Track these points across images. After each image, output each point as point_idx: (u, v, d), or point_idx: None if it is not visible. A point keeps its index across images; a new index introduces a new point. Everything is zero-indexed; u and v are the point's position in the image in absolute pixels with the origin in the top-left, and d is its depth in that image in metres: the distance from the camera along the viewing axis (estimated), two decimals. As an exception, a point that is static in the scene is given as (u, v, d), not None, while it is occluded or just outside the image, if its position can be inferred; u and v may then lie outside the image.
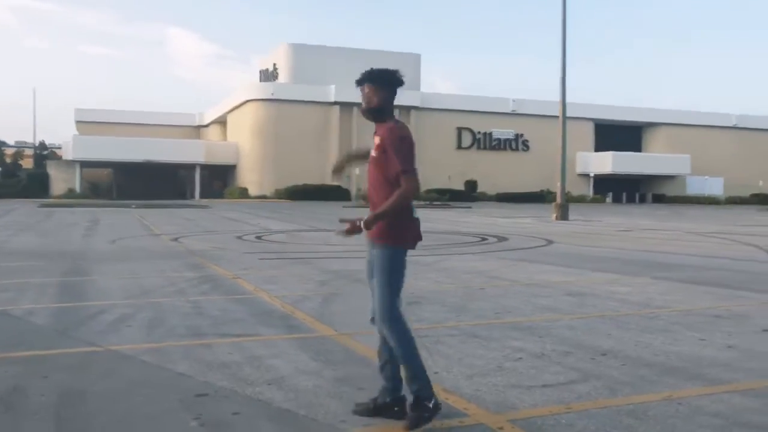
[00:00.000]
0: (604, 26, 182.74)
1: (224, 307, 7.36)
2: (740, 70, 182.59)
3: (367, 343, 5.64)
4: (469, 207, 52.63)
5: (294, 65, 73.21)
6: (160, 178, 75.60)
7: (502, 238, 18.98)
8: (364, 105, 3.77)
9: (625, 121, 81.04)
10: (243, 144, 70.61)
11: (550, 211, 35.28)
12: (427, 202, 56.97)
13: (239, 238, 18.28)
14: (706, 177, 75.37)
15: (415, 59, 79.98)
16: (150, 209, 39.34)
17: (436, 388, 4.33)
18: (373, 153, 3.74)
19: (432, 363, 4.97)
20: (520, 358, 5.15)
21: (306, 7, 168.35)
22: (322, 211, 39.65)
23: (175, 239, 17.73)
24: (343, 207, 47.06)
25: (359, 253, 14.17)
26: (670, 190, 76.43)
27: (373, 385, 4.39)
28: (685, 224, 28.27)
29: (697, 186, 75.06)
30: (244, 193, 65.16)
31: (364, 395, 4.15)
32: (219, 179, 76.12)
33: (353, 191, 64.43)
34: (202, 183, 72.07)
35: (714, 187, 75.08)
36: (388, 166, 3.68)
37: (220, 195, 67.93)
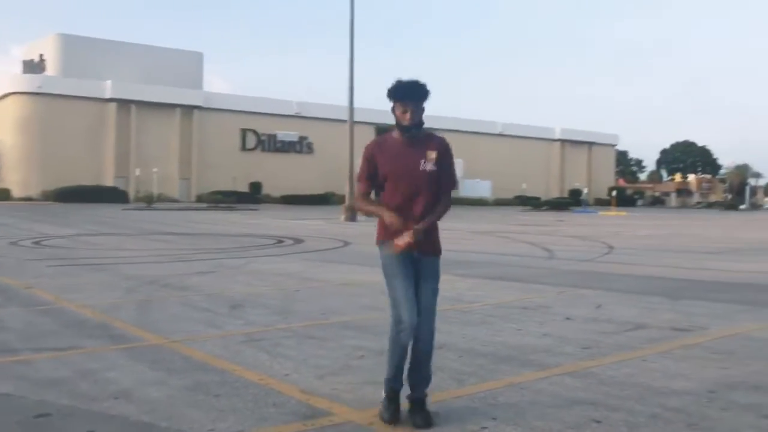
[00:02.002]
0: (388, 34, 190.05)
1: (28, 320, 6.71)
2: (505, 82, 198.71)
3: (202, 349, 5.46)
4: (256, 209, 52.23)
5: (64, 57, 68.19)
6: None
7: (297, 240, 19.09)
8: (413, 122, 3.72)
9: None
10: (4, 140, 64.33)
11: (337, 213, 36.04)
12: (213, 204, 55.64)
13: (13, 244, 16.68)
14: (477, 180, 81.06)
15: (198, 58, 77.99)
16: None
17: (292, 391, 4.33)
18: (431, 166, 3.77)
19: (279, 366, 4.93)
20: (363, 356, 5.25)
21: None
22: (101, 213, 37.27)
23: (-63, 247, 15.80)
24: (123, 210, 44.61)
25: (156, 258, 13.62)
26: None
27: (226, 391, 4.27)
28: (464, 224, 30.21)
29: (469, 188, 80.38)
30: (5, 194, 59.38)
31: (224, 403, 4.02)
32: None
33: (132, 193, 61.38)
34: (-47, 184, 64.71)
35: (483, 189, 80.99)
36: (440, 178, 3.81)
37: (-24, 197, 61.37)
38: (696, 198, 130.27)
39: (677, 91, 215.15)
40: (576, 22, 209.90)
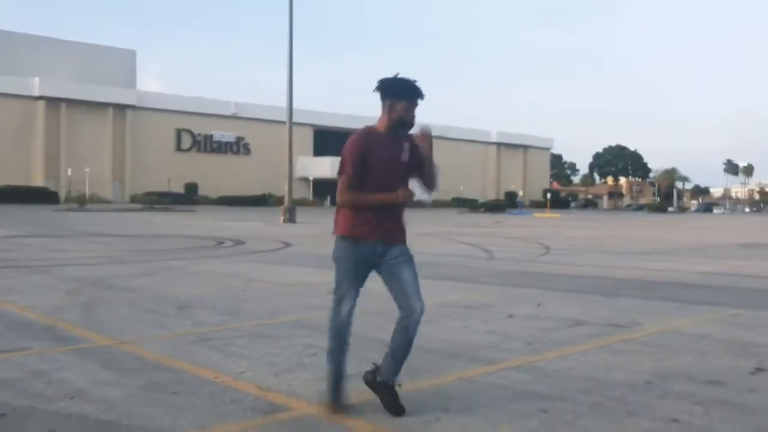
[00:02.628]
0: (327, 36, 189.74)
1: (-31, 322, 6.57)
2: (443, 85, 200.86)
3: (154, 349, 5.48)
4: (193, 210, 51.54)
5: (-10, 53, 65.96)
6: None
7: (238, 242, 19.01)
8: (413, 120, 3.89)
9: (343, 128, 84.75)
10: (-74, 140, 61.93)
11: (276, 214, 35.90)
12: (148, 206, 54.62)
13: (-57, 245, 16.16)
14: (414, 182, 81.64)
15: (130, 56, 76.54)
16: None
17: (249, 388, 4.41)
18: (406, 157, 3.96)
19: (233, 364, 4.99)
20: (316, 354, 5.35)
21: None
22: (32, 214, 36.20)
23: None
24: (54, 211, 43.44)
25: (95, 259, 13.37)
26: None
27: (183, 389, 4.32)
28: (403, 225, 30.46)
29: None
30: (-73, 195, 57.02)
31: (182, 400, 4.07)
32: None
33: (63, 194, 59.78)
34: None
35: (421, 191, 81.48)
36: (416, 166, 4.03)
37: None
38: (627, 200, 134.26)
39: (611, 97, 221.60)
40: (514, 28, 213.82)
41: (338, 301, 4.05)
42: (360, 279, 4.04)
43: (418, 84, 3.84)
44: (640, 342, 5.88)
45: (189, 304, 7.80)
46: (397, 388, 4.00)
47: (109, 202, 62.00)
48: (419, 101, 3.88)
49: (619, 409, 3.99)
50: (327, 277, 10.84)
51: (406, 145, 3.95)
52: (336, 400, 3.93)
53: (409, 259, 4.05)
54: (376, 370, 4.06)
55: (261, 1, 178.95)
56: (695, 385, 4.50)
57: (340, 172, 3.91)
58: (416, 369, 4.91)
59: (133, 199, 63.80)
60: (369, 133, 3.94)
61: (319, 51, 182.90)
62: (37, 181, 61.95)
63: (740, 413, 3.91)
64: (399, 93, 3.81)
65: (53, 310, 7.24)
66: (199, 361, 5.08)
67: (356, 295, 4.07)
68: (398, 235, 4.03)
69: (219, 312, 7.35)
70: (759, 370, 4.92)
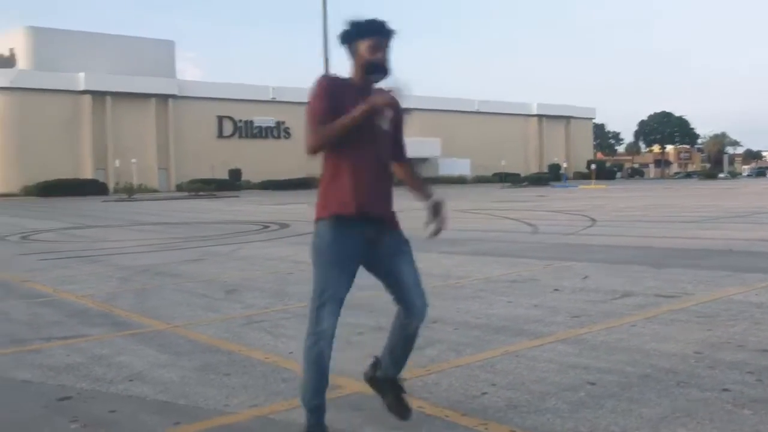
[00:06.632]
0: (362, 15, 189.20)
1: (32, 311, 6.82)
2: (481, 59, 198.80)
3: (206, 332, 5.63)
4: (237, 196, 52.15)
5: (35, 51, 67.22)
6: None
7: (283, 225, 19.26)
8: (383, 62, 3.10)
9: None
10: (-21, 138, 63.61)
11: (320, 197, 36.02)
12: (193, 193, 55.47)
13: (1, 239, 16.69)
14: (454, 158, 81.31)
15: (169, 46, 77.31)
16: None
17: (298, 367, 4.48)
18: (387, 126, 3.17)
19: (282, 345, 5.11)
20: (362, 333, 5.45)
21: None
22: (83, 206, 37.10)
23: None
24: (104, 201, 44.41)
25: (144, 247, 13.70)
26: (424, 172, 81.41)
27: (235, 370, 4.45)
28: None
29: (447, 167, 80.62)
30: (-16, 192, 58.80)
31: (235, 381, 4.20)
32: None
33: (111, 185, 61.05)
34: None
35: (462, 167, 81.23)
36: (397, 143, 3.32)
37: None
38: (675, 168, 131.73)
39: (654, 63, 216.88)
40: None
41: (315, 324, 3.20)
42: (348, 276, 3.22)
43: (379, 19, 3.09)
44: (689, 312, 5.83)
45: (237, 287, 7.97)
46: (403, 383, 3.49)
47: (156, 191, 63.10)
48: (387, 38, 3.09)
49: (669, 379, 3.99)
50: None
51: (387, 111, 3.11)
52: None
53: (407, 249, 3.35)
54: (376, 364, 3.51)
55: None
56: (747, 354, 4.46)
57: (308, 118, 3.09)
58: (461, 344, 4.99)
59: (179, 188, 64.82)
60: (335, 79, 3.17)
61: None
62: (87, 173, 63.37)
63: (792, 380, 3.88)
64: (361, 30, 3.06)
65: (108, 298, 7.47)
66: (250, 342, 5.21)
67: (337, 309, 3.22)
68: (389, 213, 3.30)
69: (267, 294, 7.49)
70: (812, 336, 4.86)
